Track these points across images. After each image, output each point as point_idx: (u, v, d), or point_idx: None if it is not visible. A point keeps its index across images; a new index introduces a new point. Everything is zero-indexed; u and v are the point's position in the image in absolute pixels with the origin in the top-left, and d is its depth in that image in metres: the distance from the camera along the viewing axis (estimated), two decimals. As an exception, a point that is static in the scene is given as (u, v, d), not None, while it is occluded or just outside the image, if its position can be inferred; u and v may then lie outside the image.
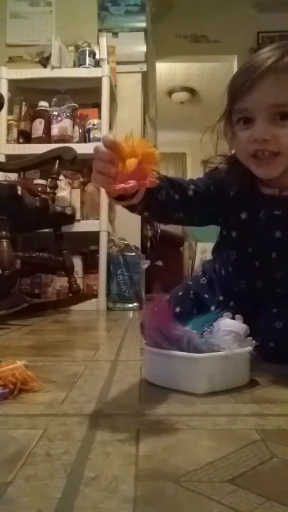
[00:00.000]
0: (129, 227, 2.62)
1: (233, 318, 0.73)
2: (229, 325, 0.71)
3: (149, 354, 0.72)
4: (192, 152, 6.49)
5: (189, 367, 0.66)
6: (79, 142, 2.38)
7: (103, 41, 2.48)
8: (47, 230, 2.17)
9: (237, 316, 0.72)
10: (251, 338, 0.71)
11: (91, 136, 2.38)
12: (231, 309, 0.80)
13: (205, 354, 0.66)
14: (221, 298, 0.93)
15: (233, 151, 0.85)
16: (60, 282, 2.34)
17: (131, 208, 0.74)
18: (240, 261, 0.89)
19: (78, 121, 2.43)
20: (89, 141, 2.39)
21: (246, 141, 0.76)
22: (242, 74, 0.76)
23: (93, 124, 2.39)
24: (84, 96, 2.49)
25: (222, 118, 0.82)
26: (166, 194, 0.79)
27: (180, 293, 0.97)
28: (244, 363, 0.70)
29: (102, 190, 2.33)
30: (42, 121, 2.41)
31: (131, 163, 0.54)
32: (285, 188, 0.82)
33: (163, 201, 0.79)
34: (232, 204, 0.87)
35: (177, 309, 0.89)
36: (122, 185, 0.55)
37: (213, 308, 0.94)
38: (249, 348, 0.70)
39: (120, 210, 2.63)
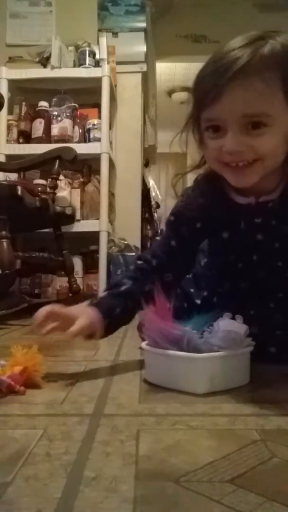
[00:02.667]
0: (129, 227, 2.62)
1: (233, 318, 0.73)
2: (229, 325, 0.71)
3: (149, 354, 0.72)
4: (192, 152, 6.48)
5: (189, 367, 0.65)
6: (79, 142, 2.38)
7: (103, 41, 2.48)
8: (47, 230, 2.17)
9: (237, 316, 0.72)
10: (251, 338, 0.71)
11: (91, 136, 2.38)
12: (214, 305, 0.80)
13: (205, 354, 0.66)
14: (205, 293, 0.93)
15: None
16: (60, 282, 2.34)
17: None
18: (224, 265, 0.88)
19: (78, 121, 2.43)
20: (89, 141, 2.39)
21: (218, 150, 0.71)
22: (209, 77, 0.69)
23: (93, 124, 2.39)
24: (84, 96, 2.49)
25: (189, 123, 0.77)
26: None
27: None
28: (244, 363, 0.70)
29: (102, 191, 2.34)
30: (42, 121, 2.41)
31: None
32: (260, 194, 0.79)
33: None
34: (207, 231, 0.86)
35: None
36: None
37: (198, 301, 0.94)
38: (249, 348, 0.70)
39: (120, 210, 2.64)
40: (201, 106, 0.71)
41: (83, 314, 0.76)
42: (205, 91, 0.69)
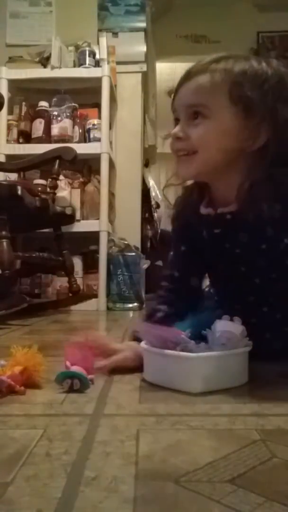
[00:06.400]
0: (129, 227, 2.62)
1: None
2: (226, 326, 0.71)
3: (146, 353, 0.72)
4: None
5: (184, 367, 0.66)
6: (79, 142, 2.38)
7: (103, 41, 2.48)
8: (47, 230, 2.17)
9: (235, 318, 0.72)
10: (247, 338, 0.71)
11: (91, 136, 2.38)
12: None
13: (199, 354, 0.66)
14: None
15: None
16: (60, 282, 2.34)
17: None
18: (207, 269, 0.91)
19: (78, 121, 2.43)
20: (89, 141, 2.39)
21: (171, 139, 0.79)
22: (181, 77, 0.80)
23: (93, 124, 2.39)
24: (84, 96, 2.49)
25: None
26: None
27: None
28: (240, 363, 0.70)
29: (102, 191, 2.33)
30: (42, 121, 2.41)
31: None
32: (220, 206, 0.80)
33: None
34: (192, 234, 0.89)
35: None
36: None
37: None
38: (246, 348, 0.70)
39: (120, 210, 2.64)
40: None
41: (127, 347, 0.79)
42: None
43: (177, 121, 0.79)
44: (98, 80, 2.39)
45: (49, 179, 2.17)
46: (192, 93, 0.75)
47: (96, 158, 2.36)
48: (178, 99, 0.78)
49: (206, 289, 0.95)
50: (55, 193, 2.13)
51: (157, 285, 0.93)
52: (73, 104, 2.42)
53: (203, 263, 0.89)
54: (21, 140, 2.46)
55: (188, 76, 0.77)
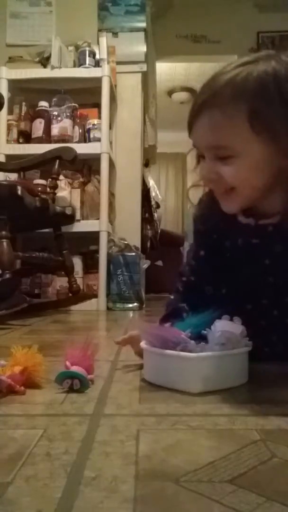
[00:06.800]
0: (129, 227, 2.62)
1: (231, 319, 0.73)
2: (226, 326, 0.71)
3: (146, 353, 0.72)
4: (192, 153, 6.48)
5: (184, 367, 0.66)
6: (79, 142, 2.38)
7: (103, 41, 2.48)
8: (47, 230, 2.17)
9: (235, 318, 0.72)
10: (247, 338, 0.71)
11: (91, 136, 2.39)
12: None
13: (199, 354, 0.66)
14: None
15: None
16: (60, 282, 2.34)
17: None
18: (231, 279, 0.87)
19: (78, 121, 2.43)
20: (89, 141, 2.39)
21: (201, 177, 0.75)
22: (190, 107, 0.72)
23: (93, 124, 2.39)
24: (84, 96, 2.49)
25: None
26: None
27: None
28: (240, 363, 0.70)
29: (102, 191, 2.34)
30: (42, 121, 2.41)
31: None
32: (262, 217, 0.78)
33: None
34: (220, 243, 0.85)
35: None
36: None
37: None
38: (246, 348, 0.70)
39: (120, 210, 2.64)
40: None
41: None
42: (187, 122, 0.73)
43: (201, 156, 0.74)
44: (98, 80, 2.39)
45: (49, 179, 2.18)
46: (210, 134, 0.69)
47: (96, 158, 2.36)
48: (196, 138, 0.72)
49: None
50: (55, 193, 2.13)
51: (175, 281, 0.91)
52: (73, 104, 2.43)
53: (220, 270, 0.85)
54: (21, 140, 2.46)
55: (199, 110, 0.69)
